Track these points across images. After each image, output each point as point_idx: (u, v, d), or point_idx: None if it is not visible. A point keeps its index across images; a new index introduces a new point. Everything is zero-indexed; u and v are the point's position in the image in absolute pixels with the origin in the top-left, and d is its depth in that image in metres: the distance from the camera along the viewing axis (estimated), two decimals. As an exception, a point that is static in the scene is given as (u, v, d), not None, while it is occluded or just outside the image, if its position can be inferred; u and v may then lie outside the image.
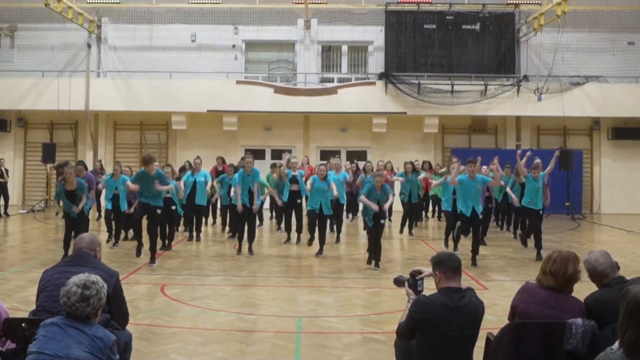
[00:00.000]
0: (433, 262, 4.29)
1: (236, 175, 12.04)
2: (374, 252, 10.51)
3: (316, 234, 11.78)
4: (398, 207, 15.67)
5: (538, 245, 11.51)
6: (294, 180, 13.11)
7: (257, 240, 13.22)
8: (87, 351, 3.46)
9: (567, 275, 4.09)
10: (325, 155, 21.71)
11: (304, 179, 13.20)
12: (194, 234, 13.65)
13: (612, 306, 3.55)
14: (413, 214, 15.39)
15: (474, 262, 10.74)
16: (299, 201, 13.32)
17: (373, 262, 10.50)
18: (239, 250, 11.73)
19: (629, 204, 21.23)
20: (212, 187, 14.25)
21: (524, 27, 21.81)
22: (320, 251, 11.65)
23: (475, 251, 10.89)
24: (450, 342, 4.03)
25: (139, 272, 9.95)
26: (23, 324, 3.98)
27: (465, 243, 11.69)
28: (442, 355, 4.05)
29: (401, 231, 14.97)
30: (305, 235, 12.72)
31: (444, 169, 15.47)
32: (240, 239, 11.81)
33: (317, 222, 11.58)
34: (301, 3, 21.13)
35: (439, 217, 17.62)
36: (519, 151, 12.71)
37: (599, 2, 20.85)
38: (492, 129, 22.35)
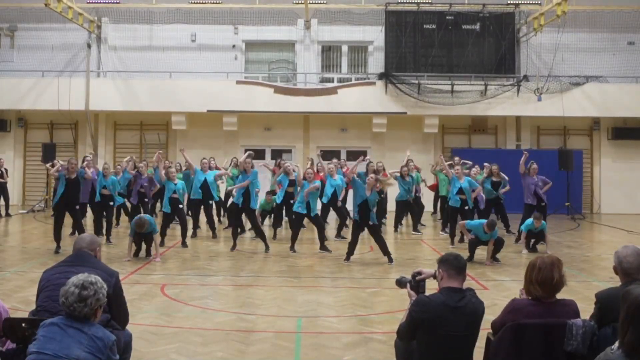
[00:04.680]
0: (438, 260, 4.32)
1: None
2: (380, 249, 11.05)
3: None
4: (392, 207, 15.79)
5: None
6: (291, 183, 13.55)
7: (257, 240, 13.25)
8: (87, 351, 3.46)
9: (554, 282, 4.05)
10: (325, 155, 21.68)
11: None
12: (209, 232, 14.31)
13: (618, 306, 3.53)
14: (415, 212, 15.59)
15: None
16: (291, 201, 13.73)
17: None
18: (233, 248, 12.19)
19: (629, 204, 21.22)
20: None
21: (524, 27, 21.81)
22: (322, 247, 12.13)
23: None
24: (450, 342, 4.03)
25: (139, 272, 9.95)
26: (23, 324, 3.98)
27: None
28: (443, 356, 4.06)
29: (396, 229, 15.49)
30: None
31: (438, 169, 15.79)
32: (235, 237, 12.38)
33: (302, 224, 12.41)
34: (301, 3, 21.12)
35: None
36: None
37: (599, 2, 20.84)
38: (492, 129, 22.34)
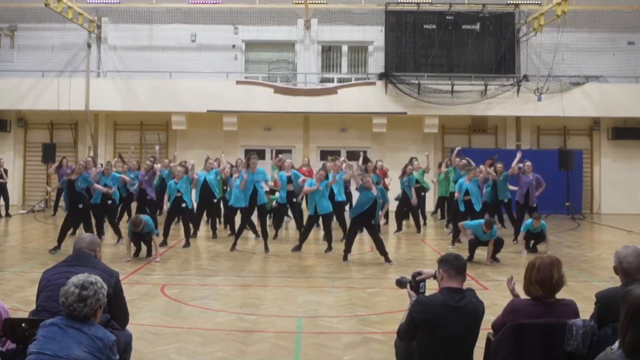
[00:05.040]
0: (439, 260, 4.32)
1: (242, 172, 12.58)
2: (378, 249, 10.98)
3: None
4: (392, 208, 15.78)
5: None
6: (288, 180, 13.61)
7: (258, 240, 13.26)
8: (87, 351, 3.46)
9: (553, 282, 4.05)
10: (325, 155, 21.72)
11: (300, 180, 13.52)
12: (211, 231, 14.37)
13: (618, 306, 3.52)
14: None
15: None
16: (294, 200, 13.82)
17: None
18: (233, 248, 12.16)
19: (629, 204, 21.22)
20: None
21: (524, 27, 21.81)
22: (329, 248, 12.11)
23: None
24: (450, 342, 4.03)
25: (139, 272, 9.95)
26: (23, 324, 3.98)
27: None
28: (443, 356, 4.06)
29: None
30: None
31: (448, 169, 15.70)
32: (238, 236, 12.37)
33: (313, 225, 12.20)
34: (301, 3, 21.12)
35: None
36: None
37: (599, 2, 20.83)
38: (492, 129, 22.34)
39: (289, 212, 14.73)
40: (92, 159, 14.29)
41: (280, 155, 14.87)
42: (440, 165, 17.14)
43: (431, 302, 4.10)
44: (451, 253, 4.39)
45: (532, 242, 12.37)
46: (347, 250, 11.07)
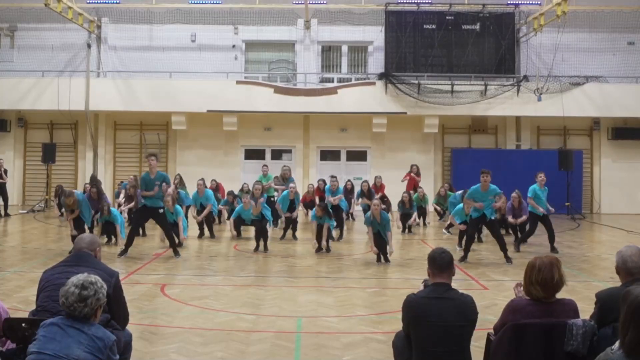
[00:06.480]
0: (427, 258, 4.42)
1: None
2: (381, 250, 10.95)
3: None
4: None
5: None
6: (291, 203, 14.44)
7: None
8: (87, 351, 3.46)
9: (554, 282, 4.07)
10: (325, 155, 21.77)
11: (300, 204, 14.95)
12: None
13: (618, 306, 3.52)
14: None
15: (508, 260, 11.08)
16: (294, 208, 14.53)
17: (382, 258, 10.98)
18: (257, 248, 12.21)
19: (629, 204, 21.23)
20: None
21: (524, 27, 21.81)
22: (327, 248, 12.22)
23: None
24: (440, 334, 4.08)
25: (139, 272, 9.95)
26: (23, 324, 3.99)
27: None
28: (436, 349, 4.10)
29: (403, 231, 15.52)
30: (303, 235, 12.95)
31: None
32: (258, 239, 12.34)
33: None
34: (301, 3, 21.13)
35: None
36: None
37: (599, 2, 20.84)
38: (492, 129, 22.34)
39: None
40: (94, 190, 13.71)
41: (292, 185, 15.06)
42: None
43: (415, 298, 4.26)
44: (437, 250, 4.44)
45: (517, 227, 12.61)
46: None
